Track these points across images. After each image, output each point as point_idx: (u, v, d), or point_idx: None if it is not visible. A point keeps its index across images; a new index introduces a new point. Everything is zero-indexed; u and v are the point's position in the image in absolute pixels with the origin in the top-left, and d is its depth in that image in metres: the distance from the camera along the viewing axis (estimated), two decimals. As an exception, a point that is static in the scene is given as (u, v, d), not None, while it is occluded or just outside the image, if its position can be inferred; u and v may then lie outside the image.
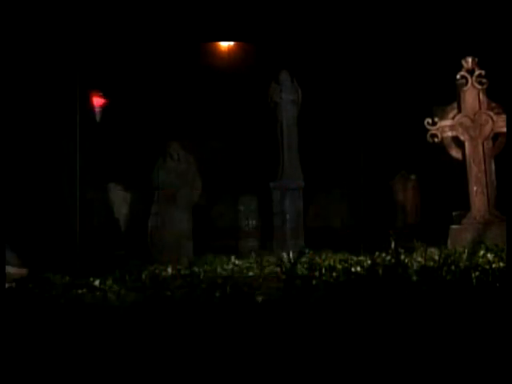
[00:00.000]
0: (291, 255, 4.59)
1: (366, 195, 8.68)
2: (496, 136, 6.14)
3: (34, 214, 6.00)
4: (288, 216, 7.10)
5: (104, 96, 7.07)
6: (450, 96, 6.37)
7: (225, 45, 10.71)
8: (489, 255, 4.31)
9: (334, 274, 3.43)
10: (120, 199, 7.83)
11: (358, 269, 3.63)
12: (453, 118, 6.22)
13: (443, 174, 7.78)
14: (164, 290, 3.01)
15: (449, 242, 5.83)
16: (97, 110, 7.13)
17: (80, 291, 3.31)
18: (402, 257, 3.85)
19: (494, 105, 6.17)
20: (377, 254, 4.57)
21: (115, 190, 7.60)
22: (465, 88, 6.20)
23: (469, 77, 6.19)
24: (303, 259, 4.11)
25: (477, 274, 3.04)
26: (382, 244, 4.68)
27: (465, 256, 4.27)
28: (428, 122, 6.22)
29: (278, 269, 3.65)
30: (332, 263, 4.11)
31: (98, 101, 7.04)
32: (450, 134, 6.21)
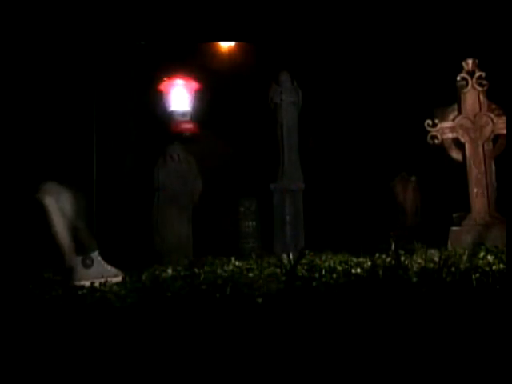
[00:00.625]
0: (291, 256, 4.58)
1: (366, 196, 8.68)
2: (496, 138, 6.15)
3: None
4: (288, 217, 7.11)
5: (197, 82, 6.61)
6: (451, 97, 6.38)
7: (225, 45, 10.71)
8: (489, 257, 4.31)
9: (334, 276, 3.43)
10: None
11: (359, 270, 3.63)
12: (453, 120, 6.23)
13: (443, 175, 7.78)
14: (164, 291, 3.01)
15: (449, 243, 5.83)
16: (190, 97, 6.47)
17: (80, 292, 3.31)
18: (402, 258, 3.85)
19: (494, 106, 6.18)
20: (377, 255, 4.57)
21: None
22: (465, 90, 6.21)
23: (469, 78, 6.20)
24: (303, 260, 4.11)
25: (477, 275, 3.04)
26: (383, 245, 4.68)
27: (465, 258, 4.26)
28: (428, 124, 6.23)
29: (278, 270, 3.64)
30: (332, 264, 4.11)
31: (189, 84, 6.55)
32: (450, 135, 6.22)
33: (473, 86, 6.18)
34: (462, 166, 6.19)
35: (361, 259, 4.57)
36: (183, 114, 6.41)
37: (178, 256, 5.92)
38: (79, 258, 3.77)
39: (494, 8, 6.18)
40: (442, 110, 6.55)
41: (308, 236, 7.04)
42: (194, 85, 6.50)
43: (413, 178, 9.09)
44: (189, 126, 6.29)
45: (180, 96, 6.37)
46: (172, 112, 6.37)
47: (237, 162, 9.74)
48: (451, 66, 6.47)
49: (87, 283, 3.59)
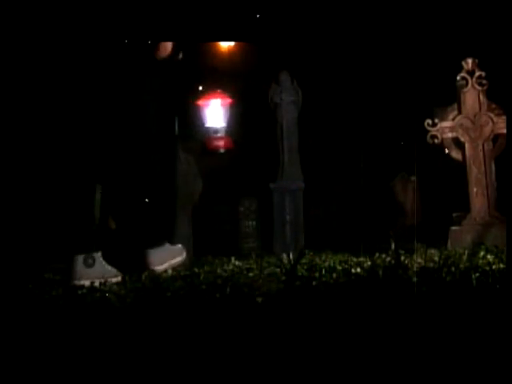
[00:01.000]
0: (291, 256, 4.58)
1: (366, 196, 8.68)
2: (496, 137, 6.15)
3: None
4: (288, 217, 7.12)
5: (229, 96, 6.78)
6: (451, 97, 6.39)
7: (225, 45, 10.70)
8: (489, 256, 4.30)
9: (334, 275, 3.42)
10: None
11: (358, 270, 3.62)
12: (453, 120, 6.23)
13: (443, 175, 7.79)
14: (164, 291, 3.01)
15: (449, 243, 5.83)
16: (224, 113, 6.65)
17: (80, 292, 3.31)
18: (402, 258, 3.84)
19: (494, 106, 6.18)
20: (377, 255, 4.56)
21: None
22: (465, 89, 6.21)
23: (469, 78, 6.20)
24: (303, 260, 4.10)
25: (477, 275, 3.03)
26: (382, 245, 4.68)
27: (465, 257, 4.26)
28: (428, 123, 6.23)
29: (278, 270, 3.64)
30: (332, 264, 4.10)
31: (223, 101, 6.73)
32: (450, 135, 6.22)
33: (473, 86, 6.18)
34: (461, 165, 6.20)
35: (361, 259, 4.57)
36: (217, 131, 6.57)
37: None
38: (81, 257, 3.73)
39: (493, 8, 6.18)
40: (441, 110, 6.55)
41: (308, 235, 7.05)
42: (228, 100, 6.66)
43: (413, 178, 9.09)
44: (222, 142, 6.47)
45: (214, 112, 6.50)
46: (207, 128, 6.54)
47: (237, 162, 9.75)
48: (451, 66, 6.47)
49: (87, 283, 3.57)
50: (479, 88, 6.17)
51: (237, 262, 4.96)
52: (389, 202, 9.13)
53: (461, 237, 5.85)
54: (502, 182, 6.02)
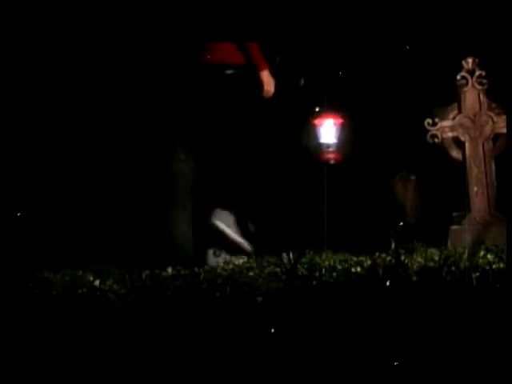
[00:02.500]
0: (291, 255, 4.58)
1: (366, 195, 8.68)
2: (496, 137, 6.15)
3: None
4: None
5: (340, 116, 7.33)
6: (451, 96, 6.39)
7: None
8: (489, 256, 4.30)
9: (334, 275, 3.43)
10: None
11: (358, 269, 3.62)
12: (453, 119, 6.23)
13: (443, 174, 7.78)
14: (165, 290, 3.02)
15: (449, 242, 5.83)
16: (335, 130, 7.30)
17: (80, 291, 3.31)
18: (402, 257, 3.84)
19: (494, 105, 6.18)
20: (377, 254, 4.56)
21: None
22: (465, 89, 6.20)
23: (469, 77, 6.20)
24: (303, 259, 4.11)
25: (477, 274, 3.03)
26: (382, 244, 4.68)
27: (465, 257, 4.26)
28: (428, 123, 6.23)
29: (278, 269, 3.64)
30: (332, 263, 4.10)
31: (335, 121, 7.30)
32: (450, 134, 6.22)
33: (473, 85, 6.18)
34: (462, 164, 6.19)
35: (361, 258, 4.57)
36: (329, 146, 7.39)
37: (178, 255, 5.91)
38: (211, 250, 4.94)
39: (493, 7, 6.18)
40: (442, 109, 6.55)
41: (308, 235, 7.04)
42: (339, 120, 7.39)
43: (413, 177, 9.10)
44: (333, 155, 7.34)
45: (327, 130, 7.33)
46: (321, 144, 7.37)
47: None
48: (451, 65, 6.47)
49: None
50: (479, 87, 6.17)
51: (236, 261, 4.97)
52: (389, 201, 9.12)
53: (461, 236, 5.84)
54: (502, 181, 6.02)
